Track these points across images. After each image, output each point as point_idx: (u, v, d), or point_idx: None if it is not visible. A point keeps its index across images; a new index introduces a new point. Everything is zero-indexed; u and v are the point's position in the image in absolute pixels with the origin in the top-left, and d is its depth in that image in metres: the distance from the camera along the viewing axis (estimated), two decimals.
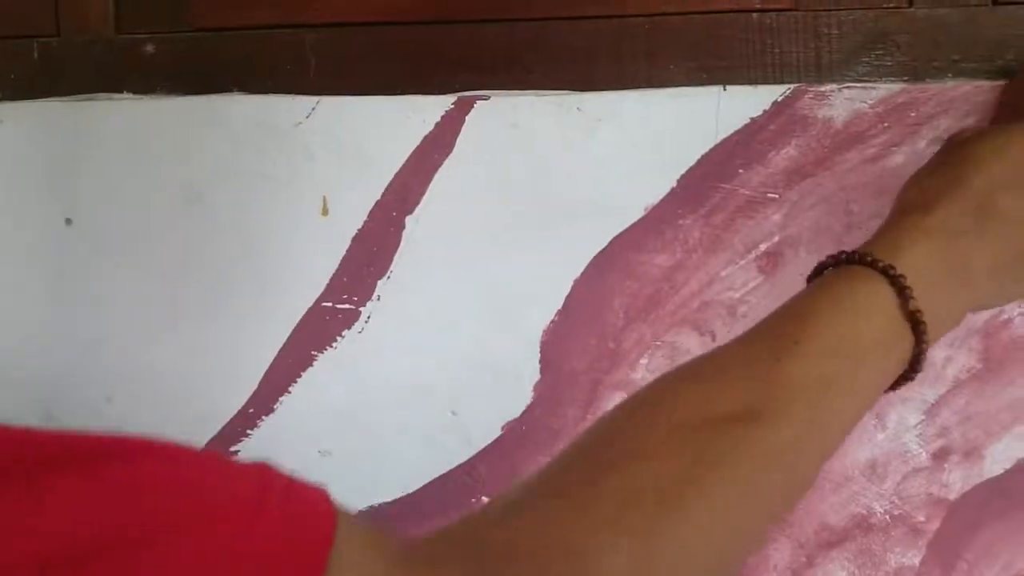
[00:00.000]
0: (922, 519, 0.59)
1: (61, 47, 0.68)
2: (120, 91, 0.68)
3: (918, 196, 0.43)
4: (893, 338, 0.38)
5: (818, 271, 0.41)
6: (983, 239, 0.41)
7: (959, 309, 0.42)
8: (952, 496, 0.59)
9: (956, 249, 0.40)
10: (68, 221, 0.68)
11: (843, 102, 0.56)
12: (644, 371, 0.60)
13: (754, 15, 0.58)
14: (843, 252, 0.40)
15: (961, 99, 0.55)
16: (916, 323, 0.38)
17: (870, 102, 0.56)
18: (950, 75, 0.56)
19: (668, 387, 0.38)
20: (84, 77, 0.68)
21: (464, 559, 0.31)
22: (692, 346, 0.60)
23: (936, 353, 0.57)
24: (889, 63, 0.56)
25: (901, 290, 0.38)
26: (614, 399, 0.61)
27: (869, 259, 0.39)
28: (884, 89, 0.56)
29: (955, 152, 0.44)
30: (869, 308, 0.38)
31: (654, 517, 0.32)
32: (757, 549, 0.45)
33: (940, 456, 0.58)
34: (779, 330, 0.38)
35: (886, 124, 0.55)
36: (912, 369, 0.40)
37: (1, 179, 0.69)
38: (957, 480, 0.59)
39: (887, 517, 0.59)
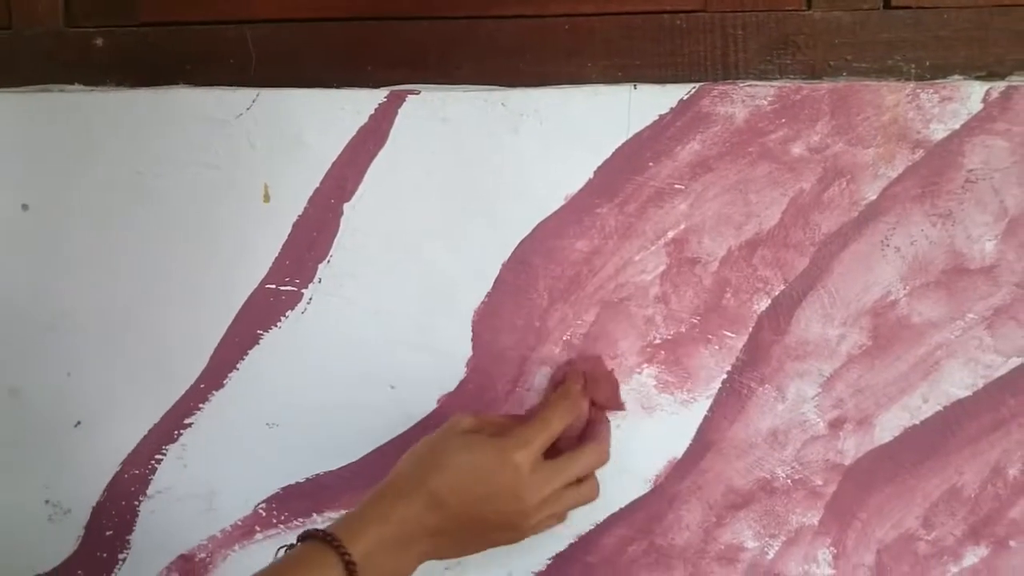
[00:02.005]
0: (820, 483, 0.63)
1: (12, 40, 0.70)
2: (71, 83, 0.70)
3: (399, 479, 0.57)
4: None
5: (301, 538, 0.55)
6: (428, 522, 0.55)
7: (407, 568, 0.56)
8: (847, 462, 0.63)
9: (406, 531, 0.55)
10: (24, 207, 0.70)
11: (743, 100, 0.60)
12: (565, 347, 0.64)
13: (666, 16, 0.61)
14: (319, 530, 0.54)
15: (852, 96, 0.59)
16: None
17: (768, 100, 0.59)
18: (844, 74, 0.60)
19: None
20: (36, 69, 0.70)
21: None
22: (607, 321, 0.64)
23: (831, 332, 0.61)
24: (789, 62, 0.60)
25: (350, 569, 0.52)
26: (541, 373, 0.65)
27: (333, 542, 0.53)
28: (781, 87, 0.59)
29: (434, 447, 0.58)
30: None
31: None
32: None
33: (835, 425, 0.63)
34: None
35: (783, 120, 0.59)
36: None
37: None
38: (851, 447, 0.63)
39: (788, 481, 0.64)
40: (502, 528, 0.57)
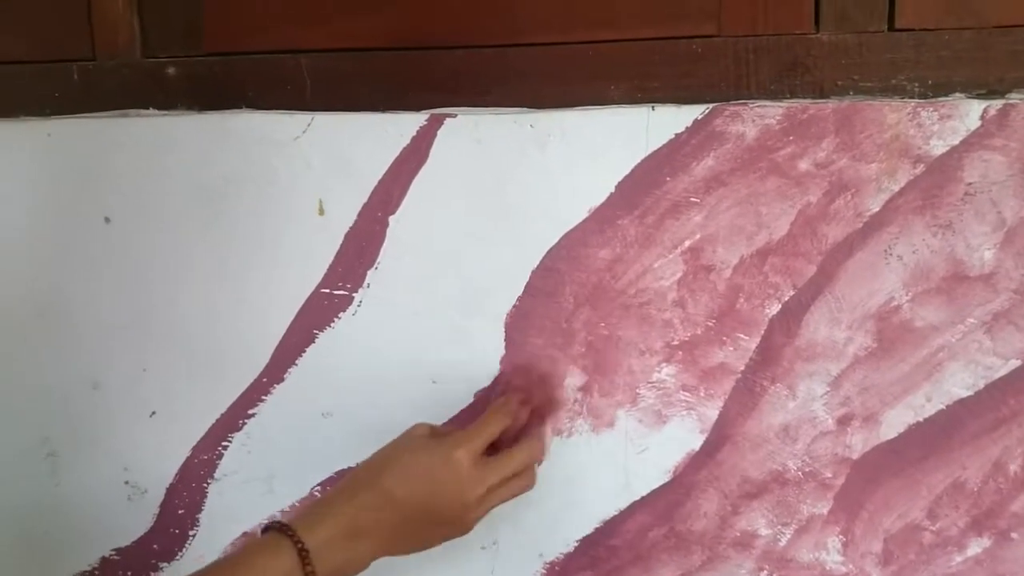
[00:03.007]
0: (829, 475, 0.66)
1: (96, 70, 0.75)
2: (147, 107, 0.75)
3: (355, 479, 0.61)
4: None
5: (264, 529, 0.59)
6: (380, 518, 0.59)
7: (360, 561, 0.60)
8: (854, 456, 0.66)
9: (358, 526, 0.59)
10: (107, 220, 0.76)
11: (753, 119, 0.63)
12: (589, 347, 0.68)
13: (682, 41, 0.64)
14: (278, 522, 0.58)
15: (856, 115, 0.62)
16: None
17: (777, 119, 0.62)
18: (851, 93, 0.63)
19: None
20: (116, 96, 0.75)
21: None
22: (628, 324, 0.68)
23: (838, 334, 0.65)
24: (798, 83, 0.63)
25: (303, 556, 0.56)
26: (570, 372, 0.69)
27: (289, 532, 0.57)
28: (789, 107, 0.63)
29: (388, 452, 0.63)
30: (277, 567, 0.56)
31: None
32: None
33: (843, 422, 0.66)
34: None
35: (791, 138, 0.62)
36: None
37: (50, 184, 0.76)
38: (858, 442, 0.66)
39: (799, 473, 0.67)
40: (448, 522, 0.61)
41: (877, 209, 0.63)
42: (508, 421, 0.64)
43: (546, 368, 0.69)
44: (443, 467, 0.60)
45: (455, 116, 0.68)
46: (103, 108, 0.75)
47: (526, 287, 0.69)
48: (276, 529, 0.58)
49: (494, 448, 0.63)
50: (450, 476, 0.60)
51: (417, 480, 0.60)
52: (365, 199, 0.71)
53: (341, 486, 0.61)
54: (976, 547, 0.65)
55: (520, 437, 0.66)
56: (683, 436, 0.68)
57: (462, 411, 0.71)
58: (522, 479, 0.64)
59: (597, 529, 0.70)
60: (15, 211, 0.77)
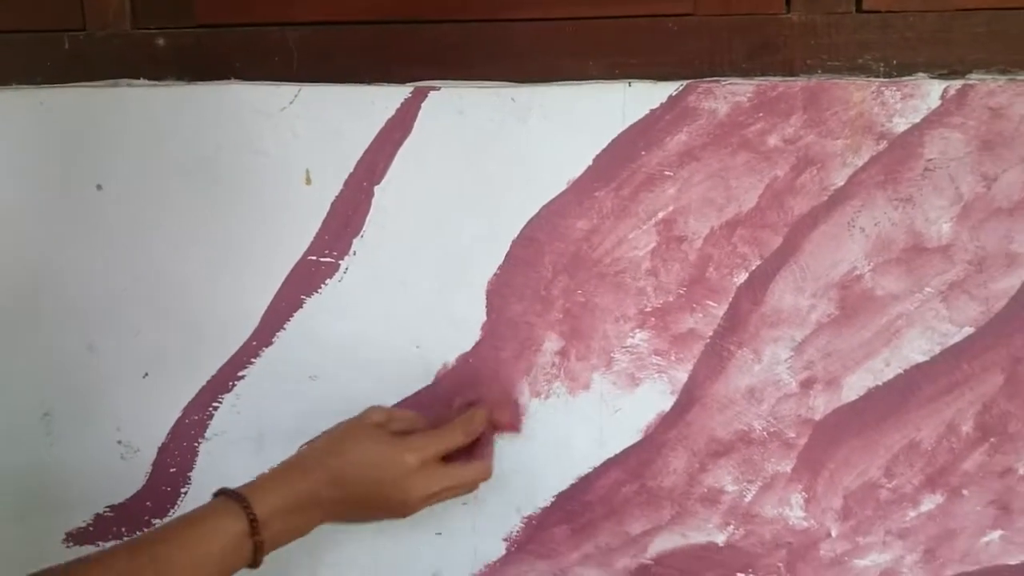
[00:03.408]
0: (792, 435, 0.70)
1: (86, 40, 0.76)
2: (137, 78, 0.76)
3: (307, 456, 0.66)
4: (237, 549, 0.61)
5: (216, 494, 0.63)
6: (325, 496, 0.64)
7: (303, 530, 0.65)
8: (817, 417, 0.69)
9: (305, 500, 0.63)
10: (99, 187, 0.77)
11: (725, 96, 0.65)
12: (567, 314, 0.71)
13: (658, 19, 0.67)
14: (232, 490, 0.62)
15: (823, 93, 0.64)
16: (256, 546, 0.61)
17: (747, 96, 0.65)
18: (819, 72, 0.65)
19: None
20: (107, 66, 0.76)
21: None
22: (604, 292, 0.71)
23: (802, 302, 0.68)
24: (769, 61, 0.66)
25: (253, 525, 0.60)
26: (548, 337, 0.72)
27: (242, 501, 0.61)
28: (759, 85, 0.65)
29: (342, 434, 0.67)
30: (227, 530, 0.60)
31: None
32: None
33: (806, 385, 0.69)
34: (163, 536, 0.61)
35: (760, 114, 0.65)
36: (253, 565, 0.62)
37: (43, 152, 0.77)
38: (820, 404, 0.69)
39: (764, 433, 0.70)
40: (387, 510, 0.66)
41: (841, 183, 0.66)
42: (469, 438, 0.68)
43: (506, 387, 0.73)
44: (393, 466, 0.64)
45: (439, 89, 0.70)
46: (94, 78, 0.76)
47: (507, 256, 0.71)
48: (230, 496, 0.62)
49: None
50: (398, 475, 0.64)
51: (367, 469, 0.64)
52: (351, 169, 0.72)
53: (295, 461, 0.66)
54: (929, 503, 0.69)
55: (473, 448, 0.70)
56: (655, 398, 0.71)
57: (444, 375, 0.74)
58: (462, 488, 0.68)
59: (572, 485, 0.73)
60: (7, 178, 0.78)
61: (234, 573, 0.61)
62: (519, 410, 0.73)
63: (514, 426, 0.73)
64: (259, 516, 0.61)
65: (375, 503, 0.65)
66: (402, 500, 0.65)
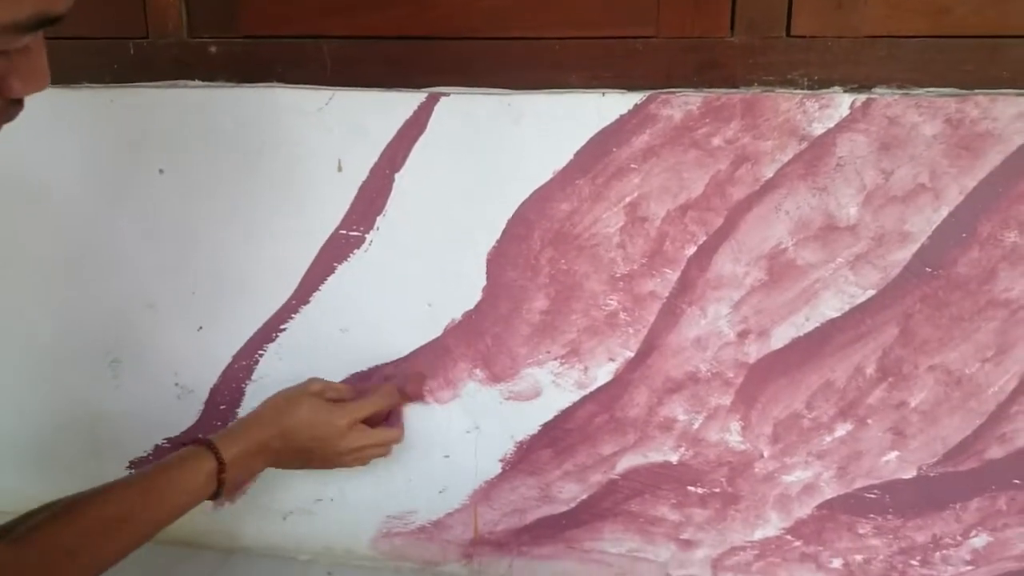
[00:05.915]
0: (731, 376, 0.79)
1: (149, 47, 0.84)
2: (193, 79, 0.84)
3: (264, 413, 0.79)
4: (207, 484, 0.72)
5: (188, 442, 0.74)
6: (275, 446, 0.77)
7: (255, 472, 0.79)
8: (751, 361, 0.79)
9: (260, 448, 0.76)
10: (161, 171, 0.85)
11: (679, 105, 0.75)
12: (552, 279, 0.80)
13: (628, 40, 0.76)
14: (203, 438, 0.74)
15: (757, 104, 0.74)
16: (220, 482, 0.73)
17: (697, 105, 0.75)
18: (755, 85, 0.75)
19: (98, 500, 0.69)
20: (166, 69, 0.84)
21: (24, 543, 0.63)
22: (582, 261, 0.81)
23: (739, 270, 0.77)
24: (715, 76, 0.75)
25: (221, 468, 0.72)
26: (537, 298, 0.81)
27: (212, 447, 0.73)
28: (706, 96, 0.74)
29: (290, 398, 0.79)
30: (201, 468, 0.72)
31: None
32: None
33: (742, 335, 0.79)
34: (153, 472, 0.72)
35: (707, 120, 0.75)
36: (215, 497, 0.74)
37: (113, 141, 0.86)
38: (753, 351, 0.78)
39: (709, 374, 0.80)
40: (321, 460, 0.80)
41: (771, 175, 0.75)
42: (385, 404, 0.83)
43: (416, 368, 0.86)
44: (327, 426, 0.78)
45: (449, 95, 0.78)
46: (155, 79, 0.84)
47: (503, 232, 0.80)
48: (202, 443, 0.74)
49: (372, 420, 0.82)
50: (331, 433, 0.78)
51: (308, 427, 0.78)
52: (376, 159, 0.80)
53: (254, 417, 0.79)
54: (841, 430, 0.78)
55: (391, 416, 0.85)
56: (623, 346, 0.81)
57: (452, 328, 0.83)
58: (379, 449, 0.83)
59: (556, 416, 0.83)
60: (84, 163, 0.86)
61: (200, 502, 0.73)
62: (423, 383, 0.86)
63: (420, 396, 0.86)
64: (225, 459, 0.73)
65: (312, 454, 0.79)
66: (334, 452, 0.79)
